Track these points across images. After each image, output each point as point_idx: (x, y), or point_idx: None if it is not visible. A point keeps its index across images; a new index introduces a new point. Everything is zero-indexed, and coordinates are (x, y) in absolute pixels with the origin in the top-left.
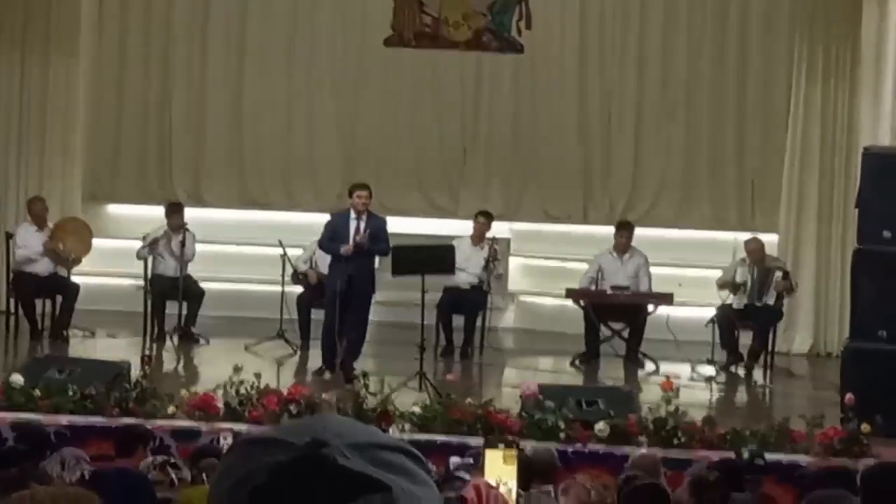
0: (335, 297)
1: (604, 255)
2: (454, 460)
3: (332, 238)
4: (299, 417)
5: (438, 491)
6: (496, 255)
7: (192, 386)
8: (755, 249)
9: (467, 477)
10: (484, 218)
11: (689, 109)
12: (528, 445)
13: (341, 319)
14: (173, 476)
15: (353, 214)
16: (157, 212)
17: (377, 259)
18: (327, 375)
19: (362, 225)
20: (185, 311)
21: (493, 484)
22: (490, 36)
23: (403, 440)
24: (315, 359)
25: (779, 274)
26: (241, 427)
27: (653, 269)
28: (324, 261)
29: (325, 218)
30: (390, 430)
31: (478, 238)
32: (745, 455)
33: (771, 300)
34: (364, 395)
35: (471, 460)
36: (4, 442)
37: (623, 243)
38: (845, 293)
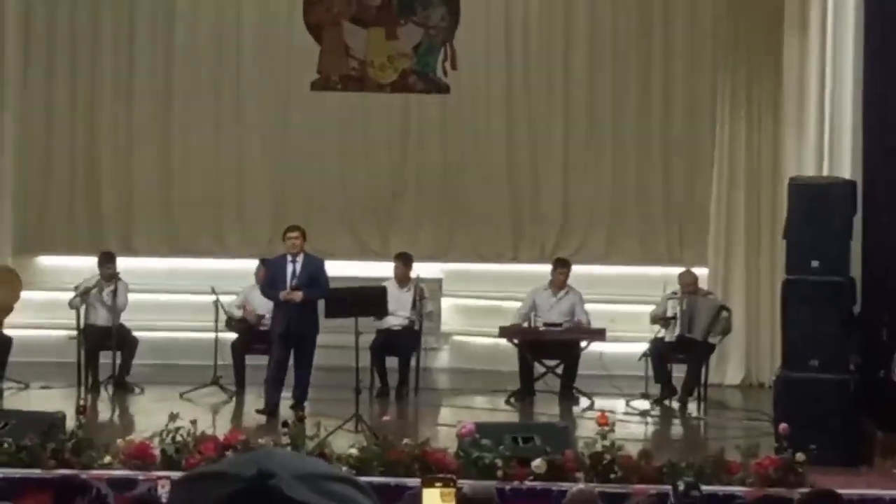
0: (280, 341)
1: (538, 291)
2: None
3: (271, 283)
4: None
5: None
6: (422, 294)
7: (128, 435)
8: (688, 283)
9: None
10: (401, 260)
11: (616, 146)
12: (467, 484)
13: (286, 362)
14: None
15: (288, 257)
16: (89, 262)
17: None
18: (270, 416)
19: (298, 267)
20: (118, 361)
21: None
22: (416, 77)
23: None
24: (250, 404)
25: (725, 314)
26: (179, 475)
27: (584, 306)
28: (257, 302)
29: (256, 263)
30: None
31: (401, 280)
32: (682, 487)
33: (714, 340)
34: (301, 439)
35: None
36: None
37: (560, 280)
38: (776, 324)
